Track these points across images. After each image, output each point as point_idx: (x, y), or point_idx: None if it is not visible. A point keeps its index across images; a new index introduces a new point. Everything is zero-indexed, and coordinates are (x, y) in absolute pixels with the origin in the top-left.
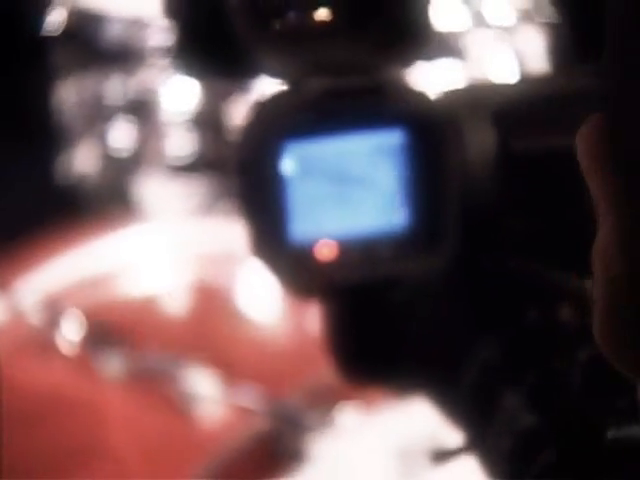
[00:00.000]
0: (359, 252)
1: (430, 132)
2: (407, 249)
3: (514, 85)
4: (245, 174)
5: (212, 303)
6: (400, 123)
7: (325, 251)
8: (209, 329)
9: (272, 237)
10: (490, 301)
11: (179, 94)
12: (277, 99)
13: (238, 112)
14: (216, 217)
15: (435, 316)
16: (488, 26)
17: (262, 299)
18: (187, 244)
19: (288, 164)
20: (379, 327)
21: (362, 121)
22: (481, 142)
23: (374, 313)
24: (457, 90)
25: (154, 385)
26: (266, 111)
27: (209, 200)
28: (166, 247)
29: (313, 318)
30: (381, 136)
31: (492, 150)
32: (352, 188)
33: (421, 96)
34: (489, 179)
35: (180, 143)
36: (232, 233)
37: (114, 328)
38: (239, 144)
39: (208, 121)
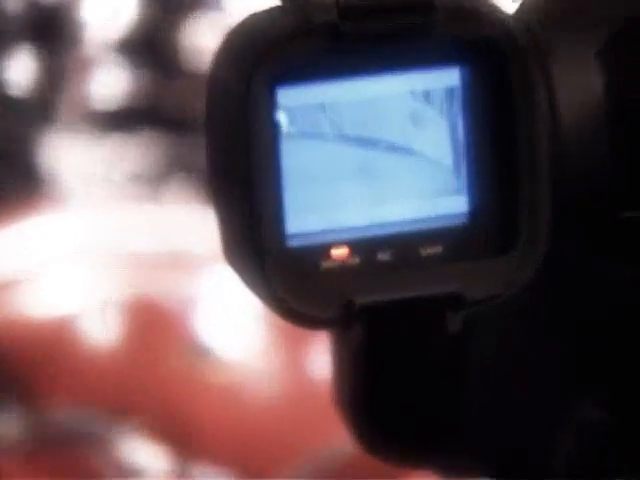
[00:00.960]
0: (391, 258)
1: (502, 73)
2: (467, 253)
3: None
4: (215, 136)
5: (155, 330)
6: (457, 58)
7: (339, 256)
8: (151, 371)
9: (256, 234)
10: (598, 336)
11: (107, 7)
12: (266, 20)
13: (200, 36)
14: (165, 200)
15: (508, 359)
16: None
17: (234, 326)
18: (119, 240)
19: (283, 121)
20: (419, 374)
21: (397, 54)
22: (582, 89)
23: (412, 353)
24: (543, 4)
25: (67, 456)
26: (249, 38)
27: (154, 174)
28: (87, 244)
29: (315, 358)
30: (428, 77)
31: (599, 103)
32: (381, 158)
33: (489, 15)
34: (594, 145)
35: (109, 84)
36: (189, 225)
37: (7, 368)
38: (206, 89)
39: (151, 49)
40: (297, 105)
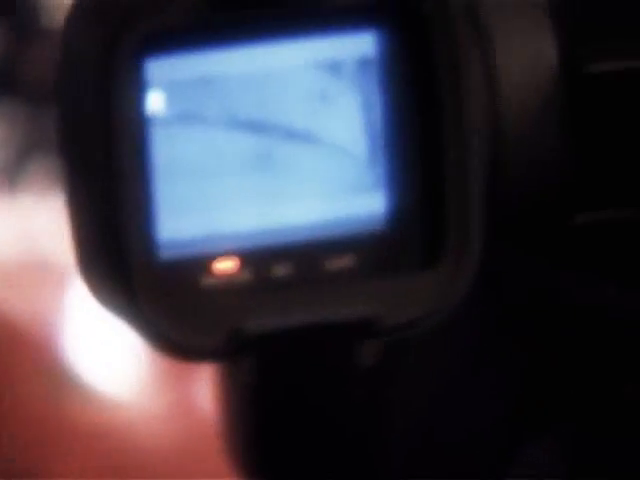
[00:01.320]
0: (290, 272)
1: (428, 40)
2: (384, 266)
3: None
4: (67, 117)
5: (8, 353)
6: (372, 20)
7: (224, 271)
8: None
9: (119, 242)
10: (555, 361)
11: None
12: None
13: None
14: (21, 191)
15: (436, 392)
16: None
17: (107, 350)
18: None
19: (153, 100)
20: (325, 414)
21: (298, 17)
22: (529, 60)
23: (315, 389)
24: None
25: None
26: None
27: (8, 158)
28: None
29: (203, 389)
30: (336, 45)
31: (550, 76)
32: (278, 147)
33: None
34: (542, 132)
35: None
36: (52, 223)
37: None
38: (58, 59)
39: (2, 2)
40: (171, 81)
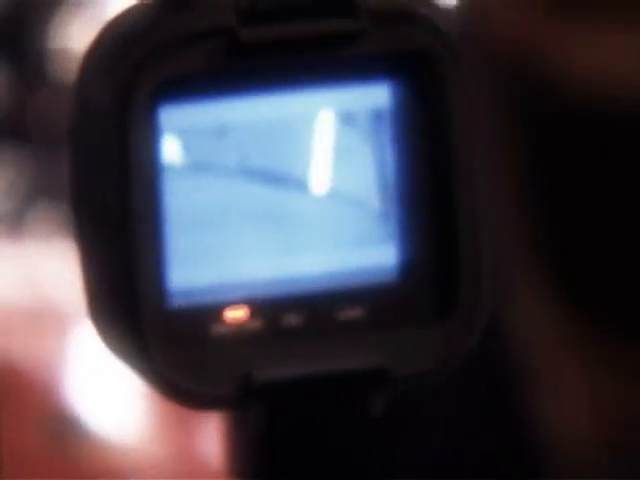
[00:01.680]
0: (300, 322)
1: (440, 93)
2: (394, 318)
3: None
4: (80, 163)
5: (10, 399)
6: (386, 72)
7: (234, 320)
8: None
9: (129, 290)
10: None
11: None
12: (146, 19)
13: (72, 37)
14: (25, 237)
15: (443, 448)
16: None
17: (111, 396)
18: None
19: (168, 147)
20: (332, 465)
21: (312, 67)
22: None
23: (324, 439)
24: None
25: None
26: (124, 42)
27: (13, 203)
28: None
29: (208, 435)
30: (349, 96)
31: None
32: (291, 198)
33: (426, 20)
34: None
35: None
36: (56, 268)
37: None
38: (72, 104)
39: (12, 50)
40: (186, 129)
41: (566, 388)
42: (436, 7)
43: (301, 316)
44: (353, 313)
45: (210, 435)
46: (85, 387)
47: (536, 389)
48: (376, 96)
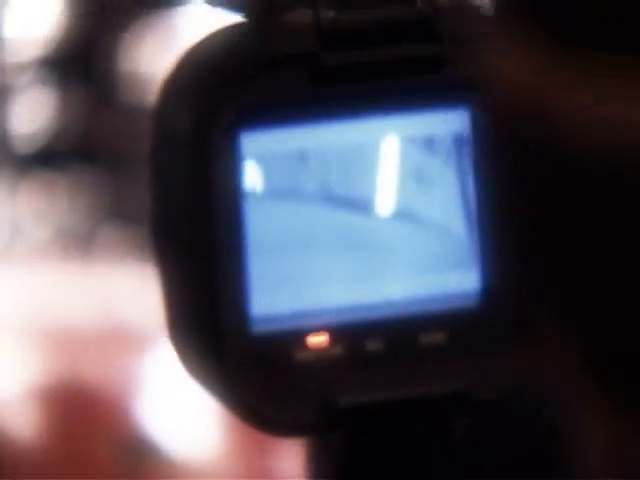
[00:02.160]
0: (382, 348)
1: (526, 115)
2: (477, 343)
3: None
4: (161, 190)
5: (86, 422)
6: (467, 97)
7: (317, 345)
8: (79, 473)
9: (212, 317)
10: None
11: (30, 20)
12: (227, 45)
13: (143, 60)
14: (97, 258)
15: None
16: None
17: (184, 418)
18: (40, 311)
19: (249, 173)
20: None
21: (394, 93)
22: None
23: (406, 463)
24: None
25: None
26: (205, 69)
27: (84, 225)
28: (1, 316)
29: (282, 458)
30: (431, 121)
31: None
32: (373, 224)
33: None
34: None
35: (30, 113)
36: (128, 289)
37: None
38: (151, 131)
39: (82, 72)
40: (267, 154)
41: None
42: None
43: (383, 341)
44: (435, 338)
45: (285, 456)
46: (159, 409)
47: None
48: (457, 121)
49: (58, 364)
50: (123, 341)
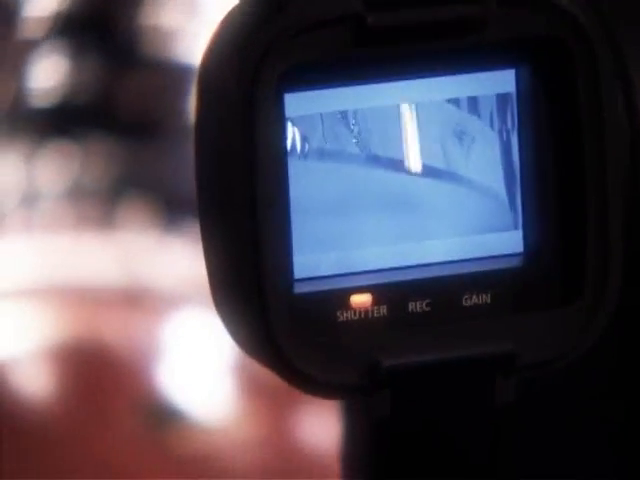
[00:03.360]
0: (426, 308)
1: (569, 78)
2: (521, 303)
3: None
4: (206, 150)
5: (106, 384)
6: (513, 57)
7: (360, 306)
8: (99, 436)
9: (256, 277)
10: None
11: None
12: (271, 6)
13: (164, 14)
14: (118, 224)
15: (557, 436)
16: None
17: (205, 382)
18: (62, 272)
19: (293, 135)
20: (458, 455)
21: (439, 54)
22: None
23: (450, 427)
24: None
25: None
26: (253, 26)
27: (105, 191)
28: (23, 277)
29: (304, 423)
30: (476, 80)
31: None
32: (416, 185)
33: (553, 6)
34: None
35: (47, 74)
36: (148, 255)
37: None
38: (197, 90)
39: (100, 29)
40: (310, 115)
41: None
42: None
43: (426, 302)
44: (479, 299)
45: (304, 419)
46: (179, 371)
47: None
48: (502, 82)
49: (78, 326)
50: (144, 305)
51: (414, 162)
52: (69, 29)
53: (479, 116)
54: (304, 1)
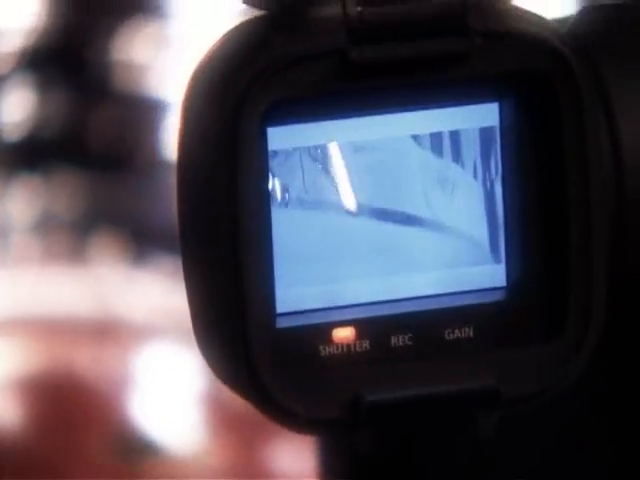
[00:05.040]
0: (409, 343)
1: (552, 113)
2: (504, 338)
3: None
4: (190, 182)
5: (76, 416)
6: (496, 91)
7: (342, 340)
8: (69, 469)
9: (238, 312)
10: None
11: (13, 8)
12: (260, 38)
13: (135, 49)
14: (87, 258)
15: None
16: None
17: (176, 414)
18: (32, 306)
19: (272, 165)
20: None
21: (424, 88)
22: None
23: (432, 462)
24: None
25: None
26: (236, 60)
27: (75, 225)
28: None
29: (278, 454)
30: (460, 114)
31: None
32: (398, 229)
33: (536, 41)
34: None
35: (15, 108)
36: (118, 289)
37: None
38: (180, 122)
39: (70, 63)
40: (292, 150)
41: None
42: (547, 26)
43: (409, 336)
44: (462, 332)
45: (277, 450)
46: (151, 403)
47: None
48: (485, 115)
49: (49, 358)
50: (114, 337)
51: (397, 198)
52: (37, 63)
53: (463, 150)
54: (287, 37)
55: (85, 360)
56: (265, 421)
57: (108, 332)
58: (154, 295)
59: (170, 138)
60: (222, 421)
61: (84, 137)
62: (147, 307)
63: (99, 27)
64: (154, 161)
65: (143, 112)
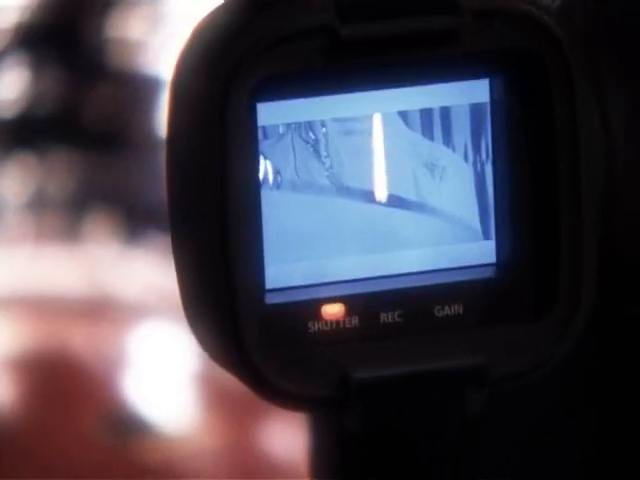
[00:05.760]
0: (398, 319)
1: (542, 90)
2: (493, 315)
3: None
4: (180, 158)
5: (70, 395)
6: (486, 68)
7: (331, 316)
8: (63, 447)
9: (226, 288)
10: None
11: None
12: (249, 14)
13: (129, 27)
14: (81, 237)
15: (534, 445)
16: None
17: (169, 392)
18: (25, 284)
19: (264, 147)
20: (427, 467)
21: (413, 66)
22: None
23: (420, 440)
24: None
25: None
26: (225, 38)
27: (68, 204)
28: None
29: (270, 432)
30: (450, 91)
31: None
32: (389, 205)
33: (526, 18)
34: None
35: (7, 86)
36: (111, 267)
37: None
38: (169, 100)
39: (63, 40)
40: (282, 148)
41: None
42: (537, 3)
43: (399, 313)
44: (452, 309)
45: (269, 428)
46: (144, 382)
47: None
48: (476, 91)
49: (42, 337)
50: (107, 316)
51: (384, 193)
52: (31, 41)
53: (453, 126)
54: (277, 13)
55: (78, 338)
56: (257, 399)
57: (102, 310)
58: (148, 273)
59: (164, 116)
60: (215, 399)
61: (78, 115)
62: (141, 285)
63: (94, 4)
64: (148, 139)
65: (138, 90)
